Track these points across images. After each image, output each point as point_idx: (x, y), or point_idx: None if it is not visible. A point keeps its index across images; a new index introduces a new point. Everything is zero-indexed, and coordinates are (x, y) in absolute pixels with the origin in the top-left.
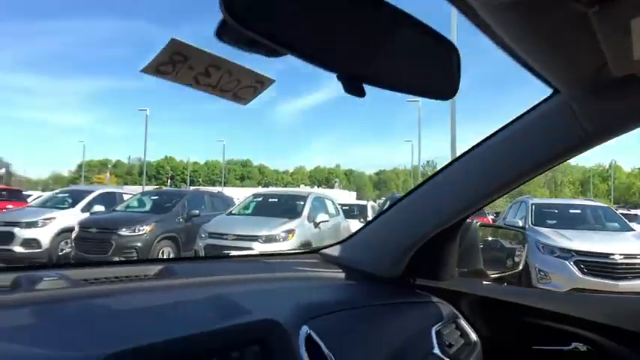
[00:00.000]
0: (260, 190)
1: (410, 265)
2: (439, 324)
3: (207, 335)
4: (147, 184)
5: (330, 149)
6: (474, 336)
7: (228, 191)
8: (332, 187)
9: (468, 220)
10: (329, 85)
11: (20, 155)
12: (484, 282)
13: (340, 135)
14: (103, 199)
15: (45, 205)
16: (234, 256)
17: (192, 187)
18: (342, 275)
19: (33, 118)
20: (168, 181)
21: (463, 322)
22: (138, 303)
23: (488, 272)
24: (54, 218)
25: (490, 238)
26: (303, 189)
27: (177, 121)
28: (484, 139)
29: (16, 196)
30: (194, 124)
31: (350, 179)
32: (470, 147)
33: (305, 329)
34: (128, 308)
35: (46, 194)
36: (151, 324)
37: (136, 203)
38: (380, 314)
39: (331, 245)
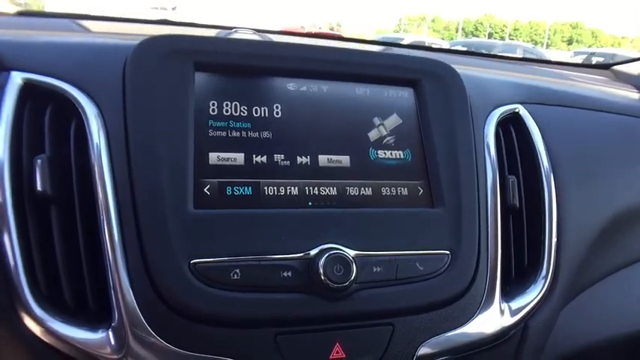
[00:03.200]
0: None
1: None
2: None
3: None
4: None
5: None
6: None
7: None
8: None
9: None
10: None
11: (350, 15)
12: None
13: None
14: None
15: None
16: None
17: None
18: (637, 96)
19: None
20: (485, 38)
21: None
22: None
23: None
24: None
25: None
26: None
27: None
28: None
29: None
30: None
31: None
32: None
33: (513, 107)
34: None
35: None
36: None
37: None
38: None
39: (630, 61)
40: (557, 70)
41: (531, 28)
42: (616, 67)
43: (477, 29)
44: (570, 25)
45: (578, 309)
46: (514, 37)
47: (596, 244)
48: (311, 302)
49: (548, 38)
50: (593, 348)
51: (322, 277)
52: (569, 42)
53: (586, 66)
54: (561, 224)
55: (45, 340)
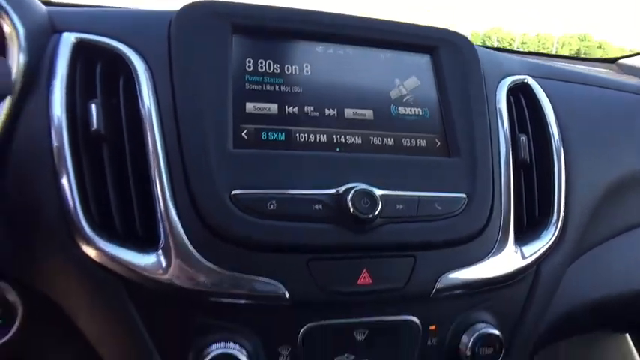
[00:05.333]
0: None
1: None
2: None
3: None
4: None
5: None
6: None
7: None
8: None
9: None
10: None
11: None
12: None
13: None
14: None
15: None
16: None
17: None
18: None
19: None
20: None
21: None
22: None
23: None
24: None
25: None
26: None
27: None
28: None
29: None
30: None
31: None
32: None
33: (522, 77)
34: None
35: None
36: None
37: None
38: None
39: (634, 55)
40: (563, 62)
41: (539, 41)
42: (621, 61)
43: (484, 42)
44: (578, 38)
45: (585, 266)
46: (521, 50)
47: (602, 202)
48: (340, 232)
49: (556, 51)
50: (598, 303)
51: (351, 210)
52: (577, 54)
53: (591, 60)
54: (569, 180)
55: (99, 261)
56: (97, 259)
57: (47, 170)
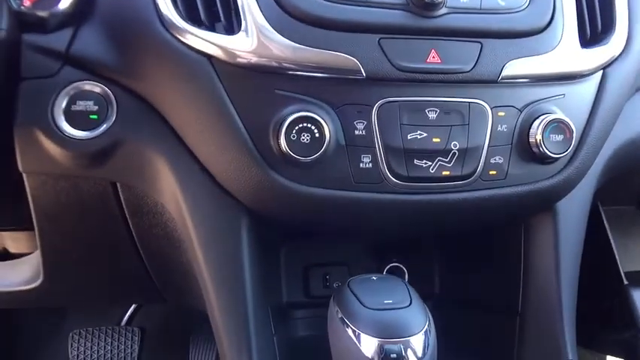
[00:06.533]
0: None
1: None
2: None
3: None
4: None
5: None
6: None
7: None
8: None
9: None
10: None
11: None
12: None
13: None
14: None
15: None
16: None
17: None
18: None
19: None
20: None
21: None
22: None
23: None
24: None
25: None
26: None
27: None
28: None
29: None
30: None
31: None
32: None
33: None
34: None
35: None
36: None
37: None
38: None
39: None
40: None
41: None
42: None
43: None
44: None
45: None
46: None
47: None
48: (409, 16)
49: None
50: None
51: None
52: None
53: None
54: (630, 6)
55: (189, 44)
56: (187, 42)
57: None
